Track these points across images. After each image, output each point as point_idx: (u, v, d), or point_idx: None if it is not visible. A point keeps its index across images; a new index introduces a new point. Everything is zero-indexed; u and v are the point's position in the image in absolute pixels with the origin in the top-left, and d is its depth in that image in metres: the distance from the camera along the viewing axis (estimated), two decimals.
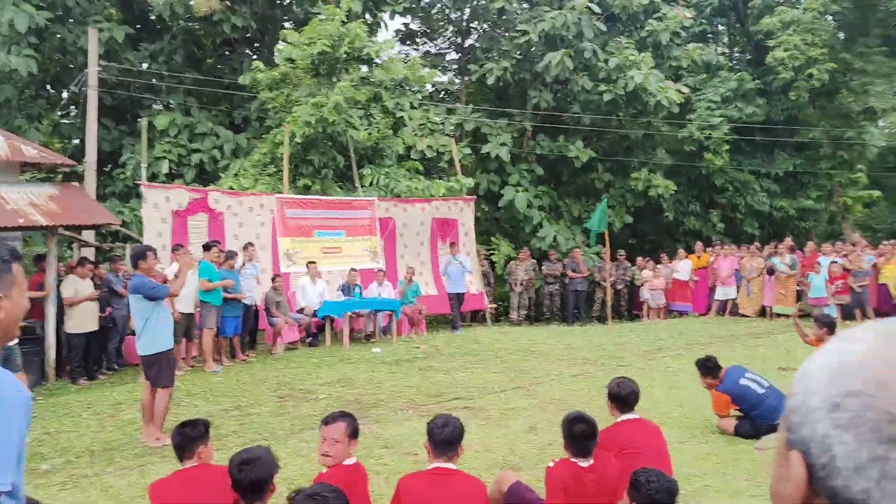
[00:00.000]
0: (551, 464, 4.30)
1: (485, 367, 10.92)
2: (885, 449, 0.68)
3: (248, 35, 19.77)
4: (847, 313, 14.75)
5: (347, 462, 4.04)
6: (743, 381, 6.93)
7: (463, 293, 15.23)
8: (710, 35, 23.93)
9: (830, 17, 20.48)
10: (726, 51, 24.84)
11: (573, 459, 4.26)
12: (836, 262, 15.02)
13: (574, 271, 17.56)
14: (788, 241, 17.02)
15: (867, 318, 14.46)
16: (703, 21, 21.96)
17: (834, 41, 20.05)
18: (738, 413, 7.06)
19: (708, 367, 7.14)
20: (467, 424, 7.61)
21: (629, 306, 18.33)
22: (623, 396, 5.13)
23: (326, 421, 4.10)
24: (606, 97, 18.49)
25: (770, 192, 20.71)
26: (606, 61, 18.39)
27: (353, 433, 4.07)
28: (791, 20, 19.32)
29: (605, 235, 15.13)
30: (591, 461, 4.26)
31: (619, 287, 17.97)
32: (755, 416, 6.84)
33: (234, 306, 11.19)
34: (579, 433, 4.25)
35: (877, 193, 22.38)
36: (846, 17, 20.18)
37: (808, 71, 18.73)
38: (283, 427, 7.50)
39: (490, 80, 19.03)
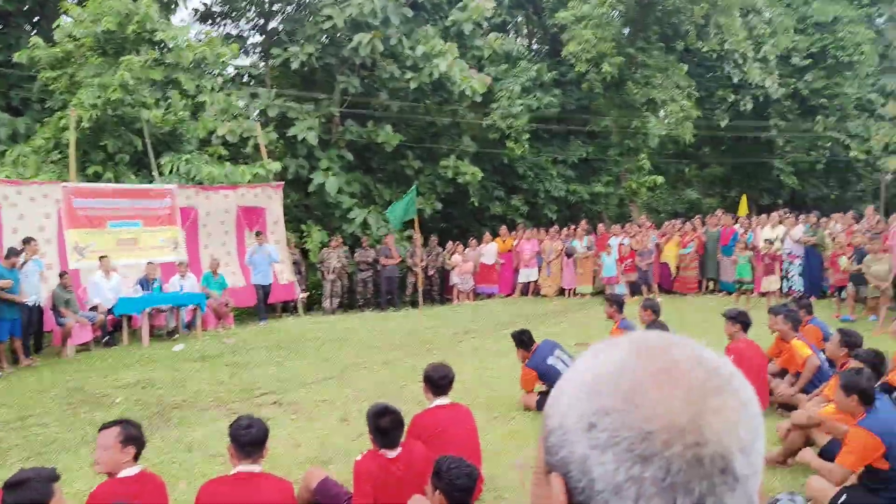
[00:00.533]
0: (359, 457, 4.29)
1: (296, 358, 10.71)
2: (640, 468, 0.65)
3: (26, 8, 17.91)
4: (634, 290, 16.03)
5: (128, 472, 3.78)
6: (550, 360, 7.27)
7: (269, 284, 14.82)
8: (509, 26, 24.92)
9: (617, 13, 22.02)
10: (526, 41, 26.01)
11: (380, 451, 4.28)
12: (623, 244, 16.25)
13: (387, 257, 17.67)
14: (584, 223, 18.17)
15: (652, 293, 15.81)
16: (503, 12, 22.81)
17: (620, 36, 21.60)
18: (542, 388, 7.43)
19: (521, 341, 7.45)
20: (278, 420, 7.49)
21: (440, 290, 18.76)
22: (436, 380, 5.24)
23: (100, 427, 3.88)
24: (413, 85, 18.69)
25: (566, 178, 22.00)
26: (413, 49, 18.58)
27: (128, 439, 3.80)
28: (583, 15, 20.54)
29: (416, 221, 15.35)
30: (399, 451, 4.30)
31: (430, 272, 18.32)
32: None
33: (11, 307, 10.13)
34: (384, 426, 4.28)
35: (660, 179, 24.46)
36: (629, 14, 21.79)
37: (600, 65, 20.03)
38: (74, 437, 6.91)
39: (294, 65, 18.57)
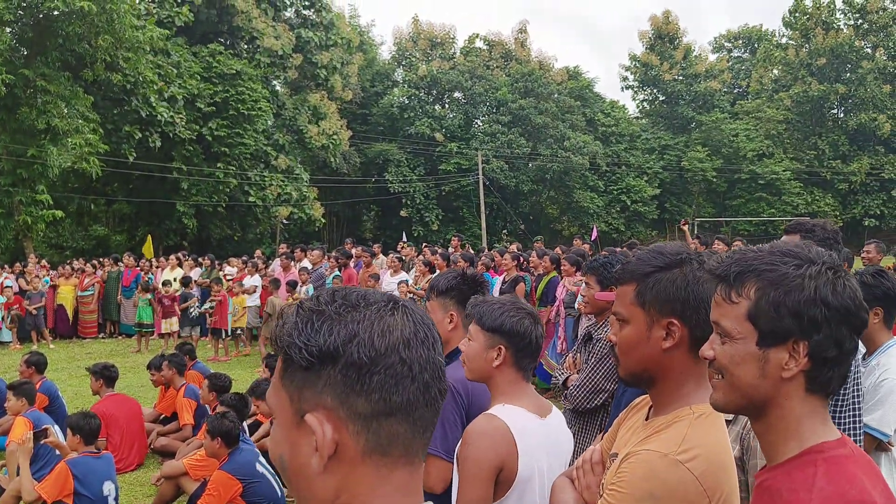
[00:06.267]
0: None
1: None
2: None
3: None
4: (23, 337, 14.47)
5: None
6: None
7: None
8: None
9: (9, 31, 19.87)
10: None
11: None
12: (8, 286, 14.50)
13: None
14: None
15: (43, 339, 14.44)
16: None
17: (14, 55, 19.51)
18: None
19: None
20: None
21: None
22: None
23: None
24: None
25: None
26: None
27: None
28: None
29: None
30: None
31: None
32: None
33: None
34: None
35: (59, 213, 22.62)
36: (25, 33, 19.88)
37: None
38: None
39: None
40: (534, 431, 2.12)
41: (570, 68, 48.05)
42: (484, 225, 38.18)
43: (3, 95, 18.62)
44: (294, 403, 0.93)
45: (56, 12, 19.28)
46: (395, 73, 46.22)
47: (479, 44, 46.62)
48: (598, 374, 3.92)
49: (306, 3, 31.77)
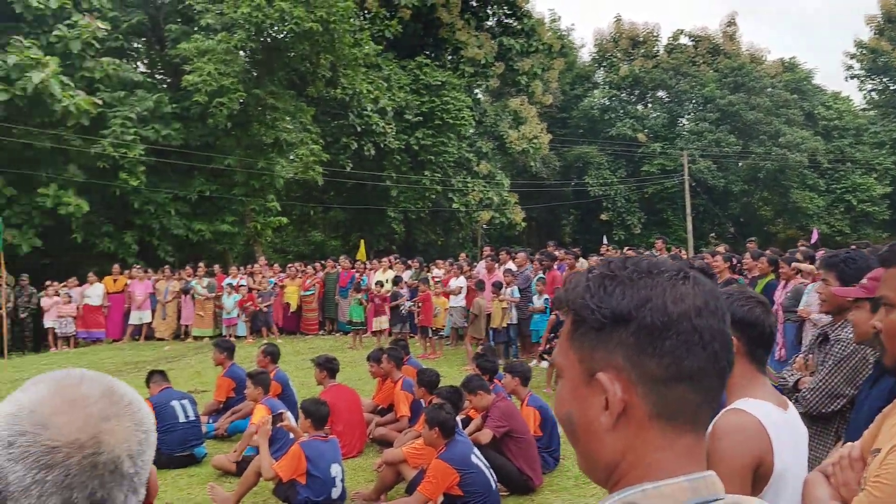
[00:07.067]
0: None
1: None
2: (44, 474, 0.88)
3: None
4: (255, 331, 15.95)
5: None
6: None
7: None
8: (128, 52, 23.34)
9: (243, 53, 21.98)
10: (146, 70, 24.59)
11: None
12: (242, 284, 16.05)
13: None
14: (203, 265, 17.51)
15: (272, 333, 15.86)
16: (120, 37, 21.26)
17: (246, 75, 21.56)
18: None
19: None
20: None
21: (35, 337, 16.55)
22: None
23: None
24: (2, 97, 16.31)
25: (184, 215, 21.06)
26: (5, 61, 16.29)
27: None
28: (207, 48, 20.10)
29: (0, 257, 13.38)
30: None
31: (22, 315, 16.11)
32: None
33: None
34: None
35: (284, 220, 24.76)
36: (257, 56, 21.92)
37: (220, 99, 19.67)
38: None
39: None
40: (782, 425, 2.00)
41: (786, 60, 44.79)
42: (690, 228, 36.55)
43: (238, 113, 20.64)
44: (584, 363, 0.97)
45: (283, 35, 21.10)
46: (596, 75, 45.64)
47: (683, 40, 44.79)
48: (836, 377, 3.62)
49: (508, 11, 32.23)
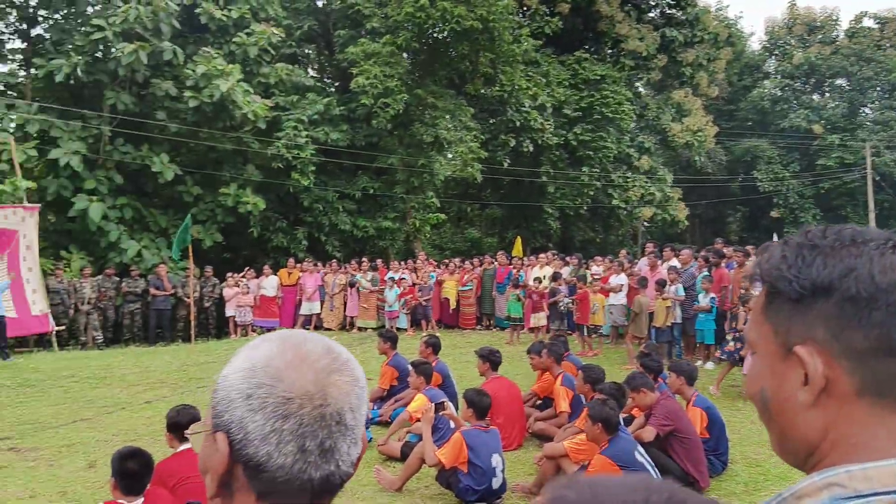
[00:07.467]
0: None
1: (42, 399, 9.66)
2: (281, 423, 0.96)
3: None
4: (415, 324, 16.41)
5: None
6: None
7: (2, 316, 13.06)
8: (300, 58, 24.72)
9: (406, 55, 22.66)
10: (316, 75, 25.92)
11: (121, 500, 3.93)
12: (403, 279, 16.55)
13: (158, 288, 16.60)
14: (367, 260, 18.24)
15: (431, 327, 16.25)
16: (293, 44, 22.57)
17: (409, 77, 22.22)
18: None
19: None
20: (12, 467, 6.66)
21: (218, 324, 17.92)
22: (183, 425, 4.91)
23: None
24: (192, 104, 17.80)
25: (351, 212, 22.06)
26: (194, 69, 17.77)
27: None
28: (373, 52, 20.91)
29: (189, 250, 14.59)
30: (141, 500, 3.97)
31: (206, 304, 17.48)
32: None
33: None
34: (129, 471, 3.94)
35: (442, 217, 25.30)
36: (418, 57, 22.52)
37: (385, 100, 20.40)
38: None
39: (59, 78, 17.00)
40: None
41: None
42: (873, 225, 33.62)
43: (401, 114, 21.31)
44: (780, 336, 0.92)
45: (444, 34, 21.55)
46: (767, 64, 43.07)
47: (867, 23, 41.31)
48: None
49: (671, 1, 31.10)
